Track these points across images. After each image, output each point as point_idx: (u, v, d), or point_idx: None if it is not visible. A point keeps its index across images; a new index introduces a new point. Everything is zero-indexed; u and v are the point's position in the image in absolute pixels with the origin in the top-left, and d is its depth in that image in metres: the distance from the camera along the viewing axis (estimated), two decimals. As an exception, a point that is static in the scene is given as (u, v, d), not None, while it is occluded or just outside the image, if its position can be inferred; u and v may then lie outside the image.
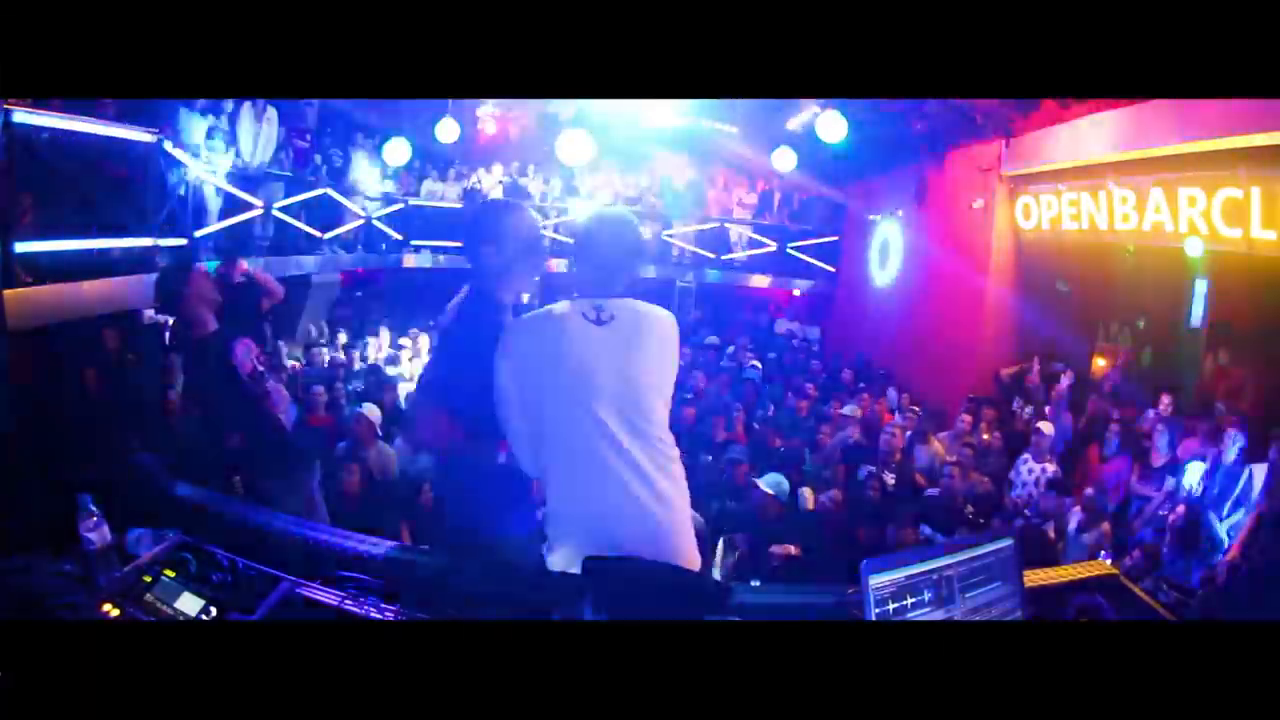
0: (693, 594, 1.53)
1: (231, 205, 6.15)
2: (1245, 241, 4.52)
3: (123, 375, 5.08)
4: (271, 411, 2.79)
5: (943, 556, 1.30)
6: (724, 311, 11.58)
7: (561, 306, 1.69)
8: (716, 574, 3.69)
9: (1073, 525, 4.34)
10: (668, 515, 1.64)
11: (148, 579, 1.41)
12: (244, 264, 3.18)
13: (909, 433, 5.58)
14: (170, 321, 5.58)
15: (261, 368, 2.85)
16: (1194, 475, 4.27)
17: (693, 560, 1.69)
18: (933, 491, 4.52)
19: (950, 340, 7.45)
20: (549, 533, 1.69)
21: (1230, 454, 4.12)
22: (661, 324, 1.73)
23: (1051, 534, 4.24)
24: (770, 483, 4.14)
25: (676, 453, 1.71)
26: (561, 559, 1.63)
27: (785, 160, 8.58)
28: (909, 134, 7.61)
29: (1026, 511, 4.51)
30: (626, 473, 1.61)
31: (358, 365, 7.37)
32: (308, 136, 7.79)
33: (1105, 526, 4.25)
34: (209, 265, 4.13)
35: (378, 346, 8.40)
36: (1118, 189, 5.55)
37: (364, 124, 8.94)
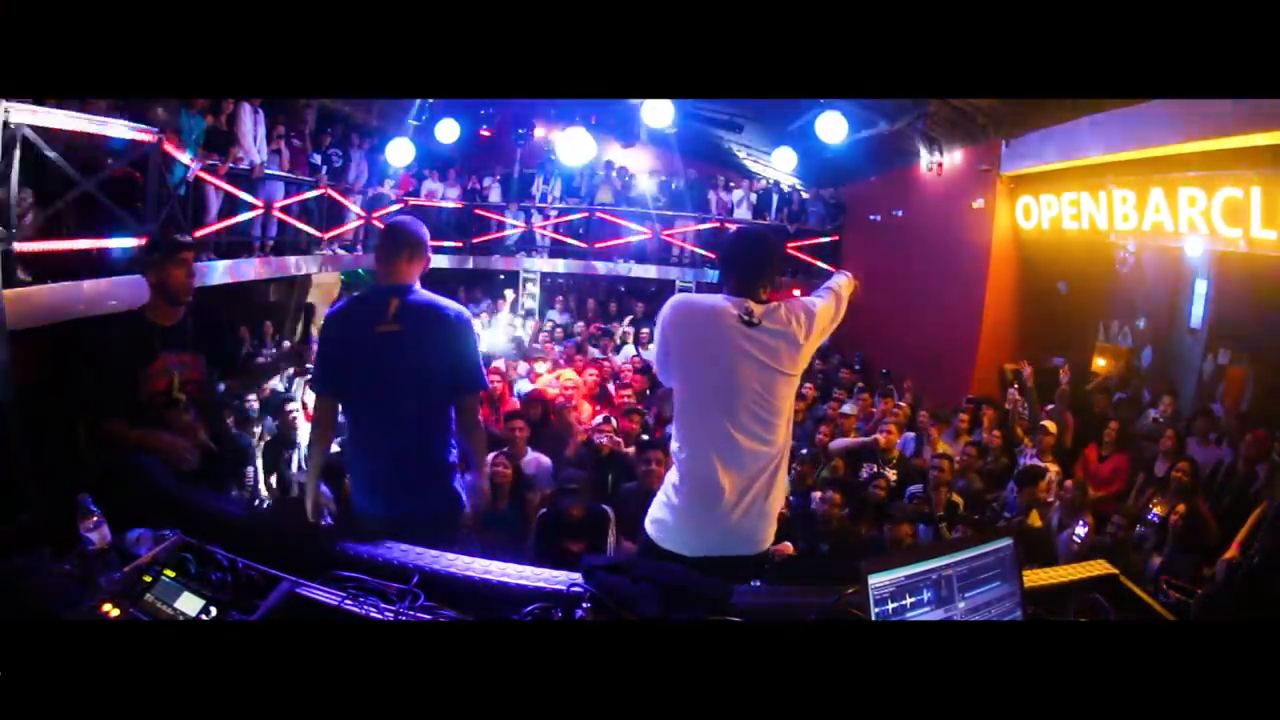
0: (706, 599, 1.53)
1: (231, 205, 6.15)
2: (1245, 241, 4.52)
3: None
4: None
5: (943, 556, 1.30)
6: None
7: (717, 300, 2.00)
8: None
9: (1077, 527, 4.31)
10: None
11: (148, 579, 1.40)
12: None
13: (914, 434, 5.57)
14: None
15: (177, 396, 2.38)
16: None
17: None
18: (915, 489, 4.49)
19: (950, 340, 7.44)
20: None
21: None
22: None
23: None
24: None
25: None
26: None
27: (785, 160, 8.58)
28: (909, 134, 7.61)
29: (1006, 514, 4.46)
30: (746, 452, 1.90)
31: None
32: (305, 136, 7.77)
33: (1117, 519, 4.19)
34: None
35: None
36: (1118, 189, 5.54)
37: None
